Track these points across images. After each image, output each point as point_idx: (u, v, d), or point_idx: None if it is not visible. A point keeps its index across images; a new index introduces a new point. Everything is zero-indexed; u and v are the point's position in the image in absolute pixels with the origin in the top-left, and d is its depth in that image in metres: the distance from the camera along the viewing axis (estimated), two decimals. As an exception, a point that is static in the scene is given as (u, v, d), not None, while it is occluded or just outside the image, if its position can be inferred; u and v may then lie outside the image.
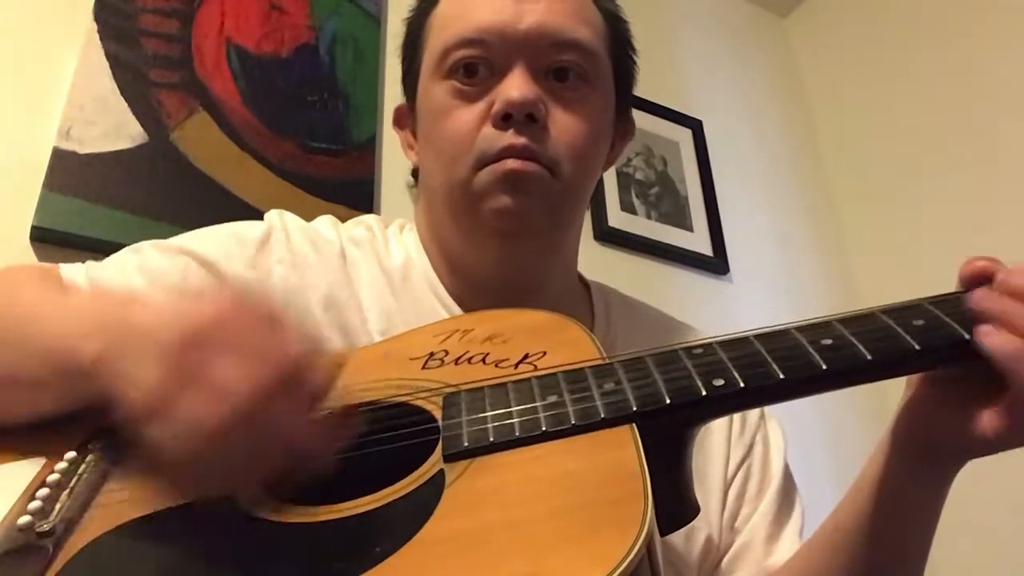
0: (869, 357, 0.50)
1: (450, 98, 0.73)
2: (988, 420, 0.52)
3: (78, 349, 0.50)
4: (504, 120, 0.69)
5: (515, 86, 0.70)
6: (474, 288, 0.76)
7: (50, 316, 0.56)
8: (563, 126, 0.72)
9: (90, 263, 0.74)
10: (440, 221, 0.77)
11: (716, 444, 0.77)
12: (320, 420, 0.47)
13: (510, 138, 0.69)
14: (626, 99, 0.83)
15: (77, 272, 0.72)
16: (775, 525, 0.76)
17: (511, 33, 0.71)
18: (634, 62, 0.83)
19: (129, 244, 1.18)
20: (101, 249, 1.19)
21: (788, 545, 0.75)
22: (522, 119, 0.69)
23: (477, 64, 0.72)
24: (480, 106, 0.71)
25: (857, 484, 0.65)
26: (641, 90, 0.86)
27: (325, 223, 0.81)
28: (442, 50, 0.73)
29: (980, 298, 0.51)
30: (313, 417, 0.47)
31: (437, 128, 0.74)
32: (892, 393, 0.60)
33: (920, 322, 0.51)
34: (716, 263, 1.96)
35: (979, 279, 0.54)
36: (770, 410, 0.84)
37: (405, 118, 0.84)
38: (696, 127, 2.13)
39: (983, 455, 0.54)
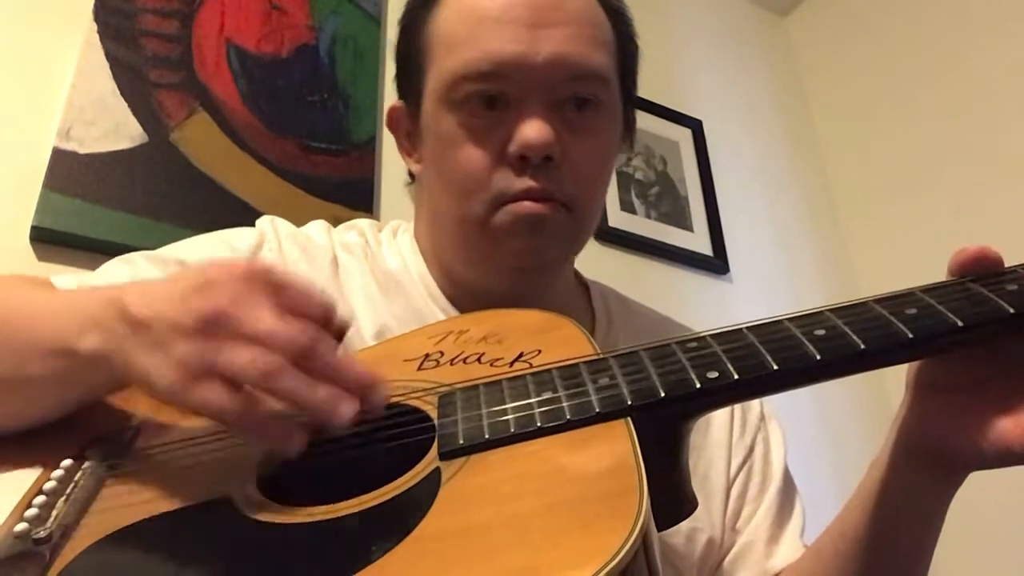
0: (862, 346, 0.49)
1: (462, 130, 0.70)
2: (1011, 430, 0.50)
3: (74, 346, 0.51)
4: (520, 160, 0.68)
5: (534, 128, 0.67)
6: (475, 298, 0.74)
7: (42, 315, 0.56)
8: (578, 160, 0.70)
9: (82, 278, 0.73)
10: (445, 244, 0.76)
11: (718, 446, 0.77)
12: (341, 381, 0.49)
13: (527, 181, 0.68)
14: (631, 100, 0.81)
15: (70, 286, 0.71)
16: (776, 526, 0.76)
17: (528, 65, 0.68)
18: (637, 57, 0.81)
19: (129, 244, 1.21)
20: (101, 249, 1.20)
21: (789, 546, 0.75)
22: (539, 161, 0.68)
23: (492, 97, 0.69)
24: (494, 141, 0.69)
25: (861, 491, 0.64)
26: (641, 90, 0.85)
27: (317, 228, 0.80)
28: (453, 77, 0.70)
29: None
30: (335, 378, 0.48)
31: (448, 158, 0.71)
32: (893, 394, 0.60)
33: (913, 310, 0.50)
34: (716, 263, 1.96)
35: (971, 266, 0.53)
36: (771, 411, 0.84)
37: (401, 120, 0.80)
38: (696, 127, 2.13)
39: (999, 467, 0.52)
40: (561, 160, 0.69)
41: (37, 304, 0.59)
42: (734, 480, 0.77)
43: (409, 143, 0.80)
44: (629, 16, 0.80)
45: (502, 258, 0.71)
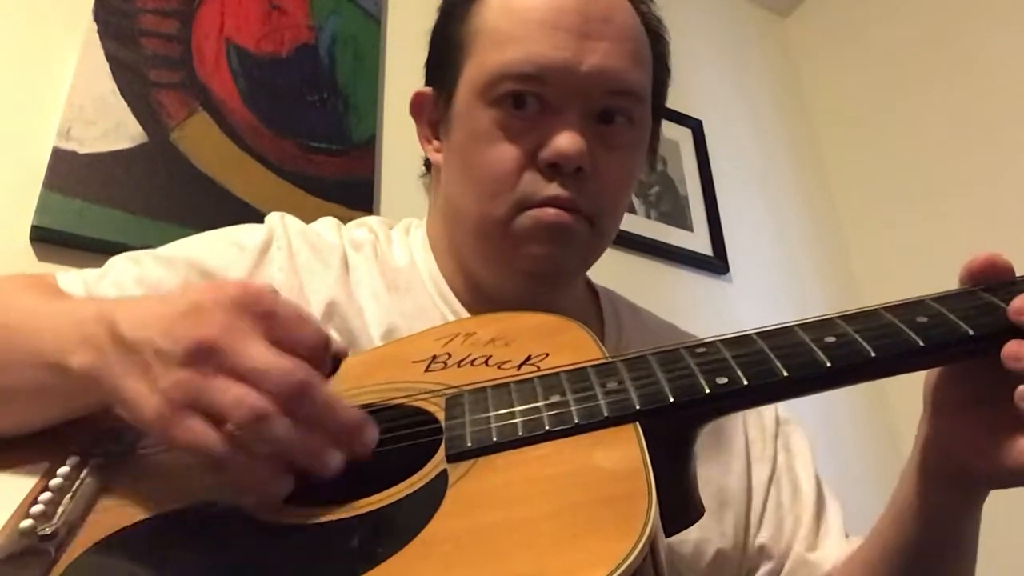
0: (873, 354, 0.49)
1: (494, 127, 0.70)
2: None
3: (65, 362, 0.50)
4: (550, 167, 0.68)
5: (568, 138, 0.67)
6: (487, 298, 0.75)
7: (36, 327, 0.55)
8: (606, 176, 0.70)
9: (87, 275, 0.72)
10: (463, 243, 0.76)
11: (733, 456, 0.77)
12: (330, 427, 0.47)
13: (556, 189, 0.68)
14: (658, 121, 0.81)
15: (75, 284, 0.70)
16: (814, 534, 0.76)
17: (571, 74, 0.68)
18: (668, 79, 0.81)
19: (129, 244, 1.20)
20: (101, 249, 1.20)
21: (833, 548, 0.75)
22: (570, 171, 0.68)
23: (528, 97, 0.69)
24: (525, 143, 0.69)
25: (893, 506, 0.64)
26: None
27: (327, 226, 0.80)
28: (493, 74, 0.70)
29: (1018, 309, 0.48)
30: (324, 423, 0.46)
31: (476, 154, 0.71)
32: (894, 399, 0.60)
33: (924, 319, 0.50)
34: (716, 263, 1.96)
35: (982, 274, 0.53)
36: (786, 415, 0.83)
37: (425, 107, 0.79)
38: (696, 127, 2.13)
39: (1019, 486, 0.52)
40: (591, 173, 0.69)
41: (32, 313, 0.57)
42: (766, 496, 0.76)
43: (431, 131, 0.79)
44: (667, 39, 0.79)
45: (519, 262, 0.71)
